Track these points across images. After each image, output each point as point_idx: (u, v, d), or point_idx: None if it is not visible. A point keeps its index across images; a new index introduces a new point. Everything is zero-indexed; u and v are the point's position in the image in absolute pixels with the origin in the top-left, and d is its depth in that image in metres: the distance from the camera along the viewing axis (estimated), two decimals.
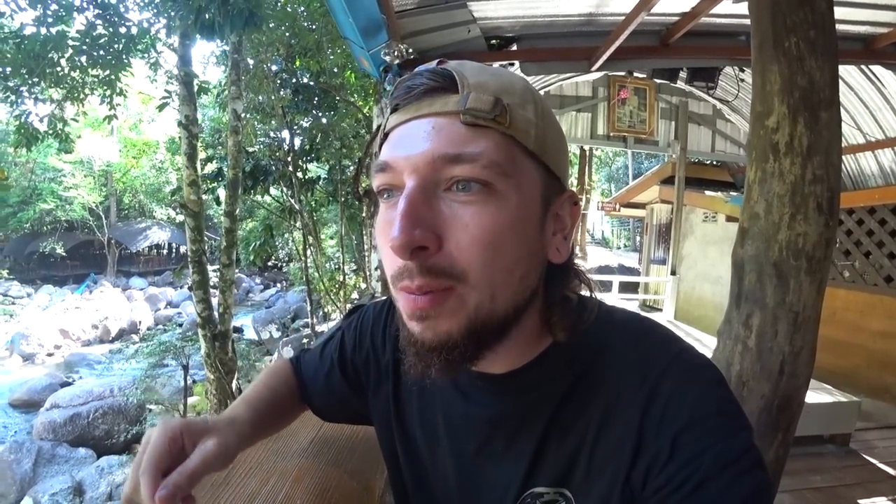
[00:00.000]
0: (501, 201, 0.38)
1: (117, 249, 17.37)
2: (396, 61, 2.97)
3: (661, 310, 6.77)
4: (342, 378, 0.65)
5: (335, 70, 7.85)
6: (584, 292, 0.49)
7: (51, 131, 6.95)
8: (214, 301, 6.96)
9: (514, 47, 3.35)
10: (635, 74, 5.03)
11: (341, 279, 10.19)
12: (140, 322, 12.42)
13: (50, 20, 5.32)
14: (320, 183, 9.80)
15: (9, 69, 5.65)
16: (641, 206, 9.16)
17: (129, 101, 11.59)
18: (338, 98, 8.38)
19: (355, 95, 8.56)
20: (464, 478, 0.51)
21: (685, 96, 5.48)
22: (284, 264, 15.93)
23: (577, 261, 0.48)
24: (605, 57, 3.07)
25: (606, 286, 6.75)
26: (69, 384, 9.28)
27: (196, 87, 6.87)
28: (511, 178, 0.38)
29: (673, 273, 6.17)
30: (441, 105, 0.38)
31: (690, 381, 0.41)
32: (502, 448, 0.48)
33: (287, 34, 7.04)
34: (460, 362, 0.40)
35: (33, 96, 6.28)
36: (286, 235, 12.30)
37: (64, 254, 16.57)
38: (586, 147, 12.63)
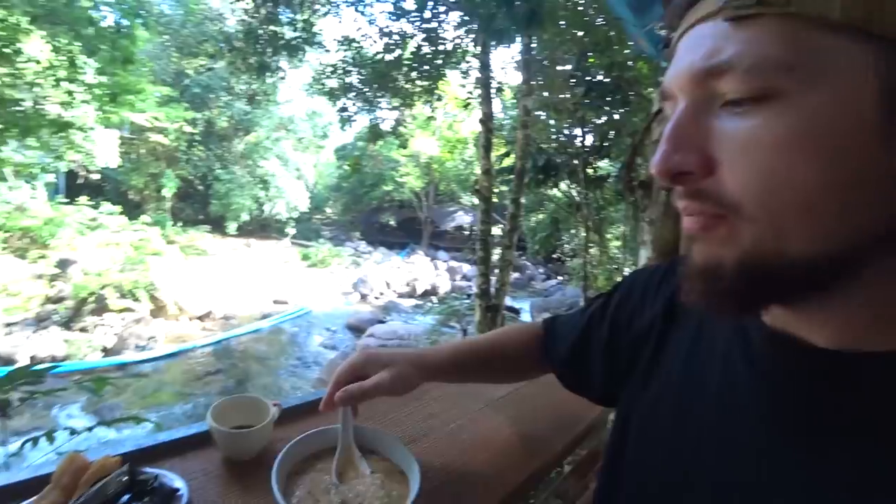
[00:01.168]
0: (790, 108, 0.28)
1: (430, 227, 21.27)
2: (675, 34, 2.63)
3: None
4: (598, 334, 0.59)
5: (628, 63, 7.52)
6: None
7: (391, 131, 9.07)
8: (493, 279, 7.84)
9: None
10: None
11: (620, 280, 9.82)
12: (439, 287, 14.81)
13: (392, 47, 6.92)
14: (609, 181, 9.62)
15: (366, 89, 7.68)
16: None
17: (447, 106, 13.98)
18: (630, 92, 8.01)
19: (650, 88, 8.01)
20: (720, 471, 0.38)
21: None
22: (568, 259, 16.32)
23: None
24: None
25: None
26: (383, 322, 12.07)
27: (494, 89, 7.76)
28: (800, 73, 0.27)
29: None
30: (703, 9, 0.32)
31: None
32: (801, 455, 0.33)
33: (579, 32, 7.14)
34: (728, 299, 0.33)
35: (380, 106, 8.35)
36: (572, 231, 12.59)
37: (395, 225, 21.68)
38: None
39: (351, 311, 11.50)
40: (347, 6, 6.82)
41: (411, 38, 6.89)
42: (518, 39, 6.86)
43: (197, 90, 15.81)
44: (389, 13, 6.47)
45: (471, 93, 8.35)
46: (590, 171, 9.15)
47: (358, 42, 6.87)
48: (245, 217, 17.01)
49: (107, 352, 7.27)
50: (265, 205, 17.56)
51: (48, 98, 5.91)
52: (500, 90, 8.75)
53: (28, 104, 5.69)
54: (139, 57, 8.47)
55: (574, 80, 8.53)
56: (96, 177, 12.57)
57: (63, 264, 8.81)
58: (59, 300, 8.02)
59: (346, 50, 6.95)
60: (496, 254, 8.55)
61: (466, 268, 17.20)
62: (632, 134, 8.47)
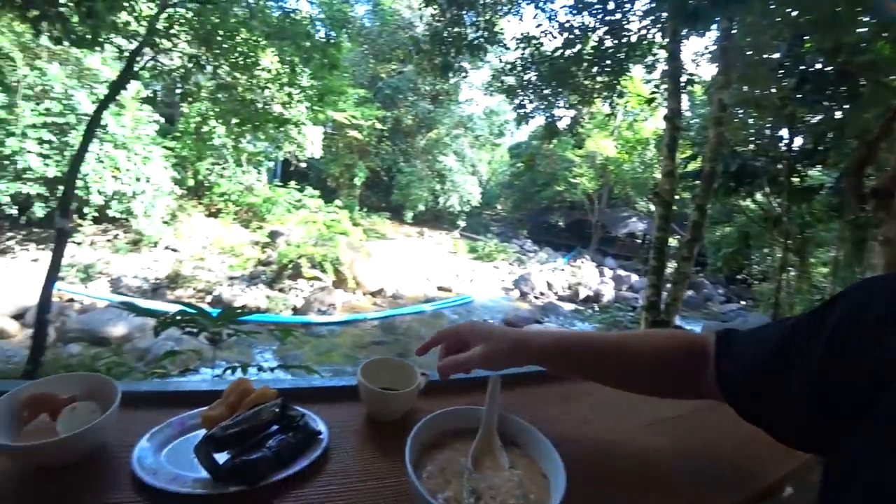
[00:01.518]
0: None
1: (600, 231, 20.21)
2: None
3: None
4: (807, 355, 0.42)
5: (860, 45, 6.03)
6: None
7: (567, 130, 8.83)
8: (664, 294, 7.11)
9: None
10: None
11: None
12: (603, 295, 14.02)
13: (572, 42, 6.71)
14: (822, 192, 8.01)
15: (544, 86, 7.59)
16: None
17: (628, 104, 13.09)
18: (861, 82, 6.44)
19: (892, 75, 6.32)
20: None
21: None
22: (756, 282, 14.22)
23: None
24: None
25: None
26: (539, 323, 11.90)
27: (683, 82, 6.97)
28: None
29: None
30: None
31: None
32: None
33: (793, 11, 5.96)
34: None
35: (557, 104, 8.19)
36: (765, 249, 10.85)
37: (563, 227, 21.13)
38: None
39: (510, 307, 11.68)
40: (528, 3, 6.81)
41: (593, 31, 6.59)
42: (715, 24, 5.99)
43: (388, 91, 17.83)
44: (570, 7, 6.29)
45: (657, 87, 7.64)
46: (796, 179, 7.83)
47: (537, 39, 6.83)
48: (421, 207, 18.71)
49: (295, 311, 8.65)
50: (440, 197, 19.04)
51: (274, 99, 7.17)
52: (690, 83, 7.83)
53: (259, 105, 6.98)
54: (343, 64, 9.81)
55: (783, 71, 7.20)
56: (303, 165, 15.02)
57: (273, 235, 10.89)
58: (267, 264, 9.89)
59: (524, 47, 6.96)
60: (670, 266, 7.72)
61: (634, 278, 16.05)
62: (860, 134, 6.84)
